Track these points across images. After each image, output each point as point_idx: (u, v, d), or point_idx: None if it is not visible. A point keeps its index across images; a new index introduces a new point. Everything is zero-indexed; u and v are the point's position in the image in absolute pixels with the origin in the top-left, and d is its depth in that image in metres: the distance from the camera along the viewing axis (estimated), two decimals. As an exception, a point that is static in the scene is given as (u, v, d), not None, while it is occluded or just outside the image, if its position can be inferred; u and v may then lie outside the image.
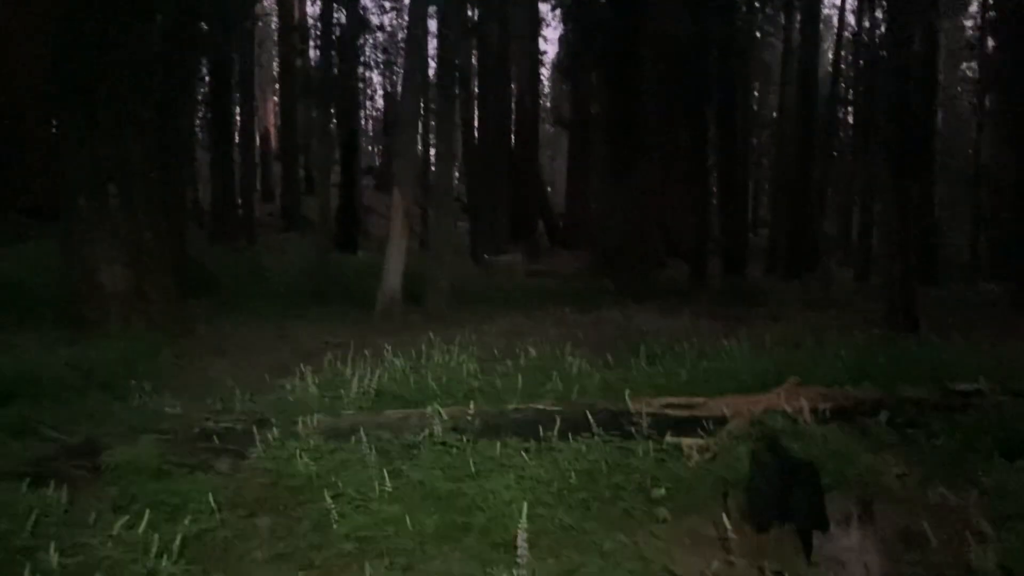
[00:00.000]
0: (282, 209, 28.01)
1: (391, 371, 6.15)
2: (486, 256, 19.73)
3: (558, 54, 41.77)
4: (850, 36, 27.71)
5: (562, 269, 21.69)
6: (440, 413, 4.70)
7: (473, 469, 4.01)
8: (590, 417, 4.59)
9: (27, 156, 18.29)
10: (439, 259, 11.46)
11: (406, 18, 22.34)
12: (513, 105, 24.04)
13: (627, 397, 4.96)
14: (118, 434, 5.14)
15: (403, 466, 4.13)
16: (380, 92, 30.34)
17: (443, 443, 4.48)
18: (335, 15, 17.70)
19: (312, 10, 31.66)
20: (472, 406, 4.86)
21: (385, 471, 3.98)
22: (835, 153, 29.00)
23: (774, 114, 30.68)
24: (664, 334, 8.81)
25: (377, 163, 40.36)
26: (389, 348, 6.99)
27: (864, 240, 24.36)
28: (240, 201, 23.17)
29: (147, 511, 3.56)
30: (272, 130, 35.69)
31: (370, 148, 46.33)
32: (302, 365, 6.39)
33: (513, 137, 25.38)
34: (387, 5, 22.90)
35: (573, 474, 3.99)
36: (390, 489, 3.76)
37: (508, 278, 18.16)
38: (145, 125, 8.53)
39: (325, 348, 9.00)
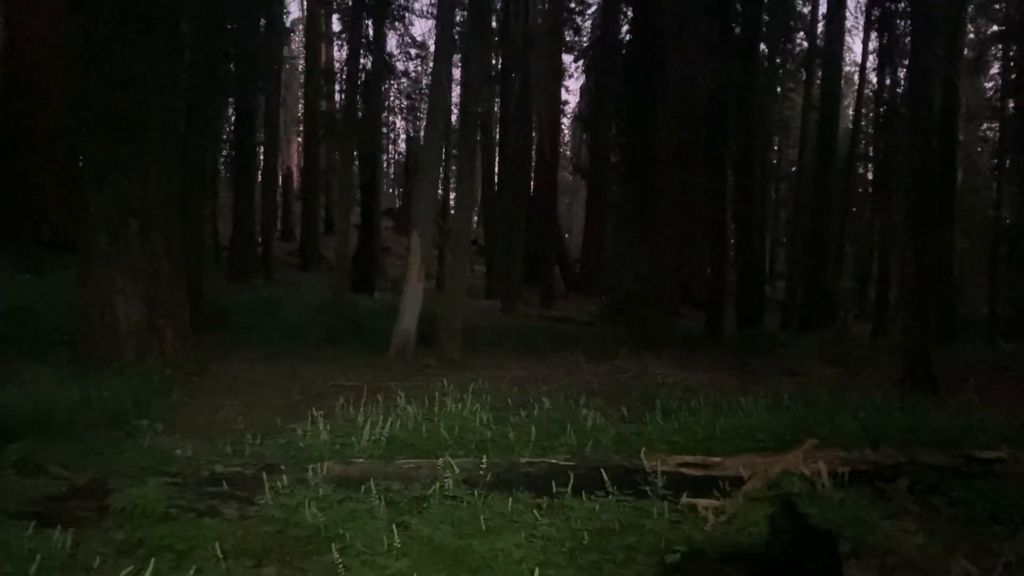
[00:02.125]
0: (300, 248, 28.20)
1: (403, 418, 6.08)
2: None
3: (579, 103, 42.39)
4: (871, 93, 27.88)
5: (577, 315, 21.62)
6: (452, 466, 4.63)
7: (484, 525, 3.94)
8: (604, 474, 4.51)
9: (46, 189, 18.55)
10: (454, 302, 11.43)
11: (430, 65, 22.78)
12: (533, 152, 24.21)
13: (642, 455, 4.88)
14: (127, 475, 5.10)
15: (412, 519, 4.06)
16: (403, 136, 30.68)
17: (454, 496, 4.41)
18: (361, 60, 17.99)
19: (339, 54, 32.24)
20: (484, 459, 4.78)
21: (394, 525, 3.91)
22: (853, 209, 29.02)
23: (793, 168, 30.79)
24: (679, 387, 8.72)
25: (397, 205, 40.69)
26: (403, 395, 6.92)
27: (881, 296, 24.19)
28: (260, 239, 23.34)
29: (152, 559, 3.49)
30: (295, 170, 36.09)
31: (390, 190, 46.75)
32: (313, 409, 6.33)
33: (532, 183, 25.55)
34: (412, 52, 23.21)
35: (586, 534, 3.90)
36: (399, 544, 3.69)
37: (522, 322, 18.09)
38: (168, 162, 8.60)
39: (336, 390, 8.97)
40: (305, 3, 29.69)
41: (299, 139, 37.63)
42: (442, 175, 20.03)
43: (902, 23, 20.72)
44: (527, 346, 13.43)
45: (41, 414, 6.56)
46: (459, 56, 13.29)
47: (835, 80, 24.34)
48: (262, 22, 20.65)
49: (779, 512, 3.70)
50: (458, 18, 12.93)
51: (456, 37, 11.82)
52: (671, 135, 15.24)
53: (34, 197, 18.42)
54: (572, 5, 26.22)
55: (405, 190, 37.44)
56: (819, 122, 24.45)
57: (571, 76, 29.89)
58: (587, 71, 28.56)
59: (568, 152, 44.10)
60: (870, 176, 32.75)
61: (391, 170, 46.76)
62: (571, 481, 4.46)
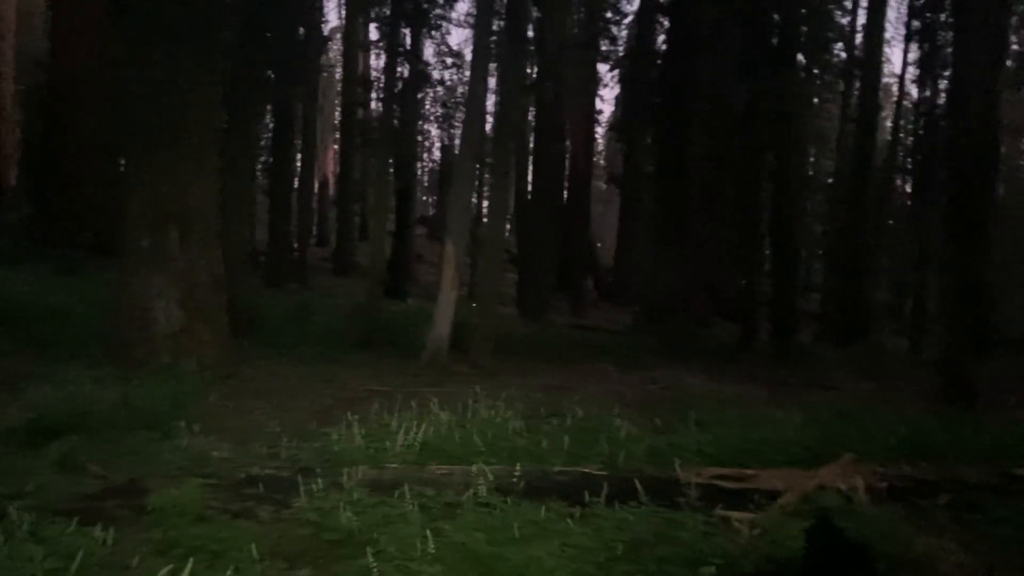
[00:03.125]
0: (335, 254, 28.42)
1: (436, 424, 6.10)
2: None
3: (613, 113, 42.36)
4: (910, 105, 27.52)
5: (607, 324, 21.56)
6: (486, 473, 4.64)
7: (517, 533, 3.94)
8: (638, 485, 4.49)
9: (85, 194, 18.86)
10: (486, 310, 11.47)
11: (466, 73, 22.89)
12: (567, 161, 24.24)
13: (677, 466, 4.85)
14: (163, 475, 5.18)
15: (445, 525, 4.07)
16: (437, 144, 30.91)
17: (486, 503, 4.42)
18: (398, 68, 18.10)
19: (375, 63, 32.51)
20: (518, 467, 4.78)
21: (428, 530, 3.93)
22: (890, 221, 28.63)
23: (829, 180, 30.47)
24: (712, 398, 8.66)
25: (430, 213, 40.88)
26: (436, 401, 6.94)
27: (918, 310, 23.83)
28: (296, 245, 23.55)
29: (190, 559, 3.54)
30: (331, 177, 36.41)
31: (424, 198, 46.99)
32: (348, 414, 6.38)
33: (565, 192, 25.52)
34: (448, 60, 23.32)
35: (620, 545, 3.89)
36: (433, 550, 3.70)
37: (553, 331, 18.08)
38: (208, 168, 8.73)
39: (369, 395, 9.03)
40: (343, 12, 29.96)
41: (334, 147, 38.00)
42: (476, 183, 20.06)
43: (943, 34, 20.47)
44: (558, 355, 13.41)
45: (81, 414, 6.68)
46: (495, 65, 13.33)
47: (874, 91, 24.13)
48: (300, 30, 20.88)
49: (816, 526, 3.66)
50: (493, 27, 12.96)
51: (492, 46, 11.84)
52: (705, 145, 15.16)
53: (73, 202, 18.76)
54: (608, 15, 26.20)
55: (439, 198, 37.65)
56: (856, 133, 24.22)
57: (605, 86, 29.84)
58: (621, 80, 28.54)
59: (602, 161, 44.06)
60: (906, 188, 32.37)
61: (424, 178, 47.01)
62: (604, 491, 4.45)
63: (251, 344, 11.55)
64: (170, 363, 8.28)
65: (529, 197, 23.65)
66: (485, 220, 13.49)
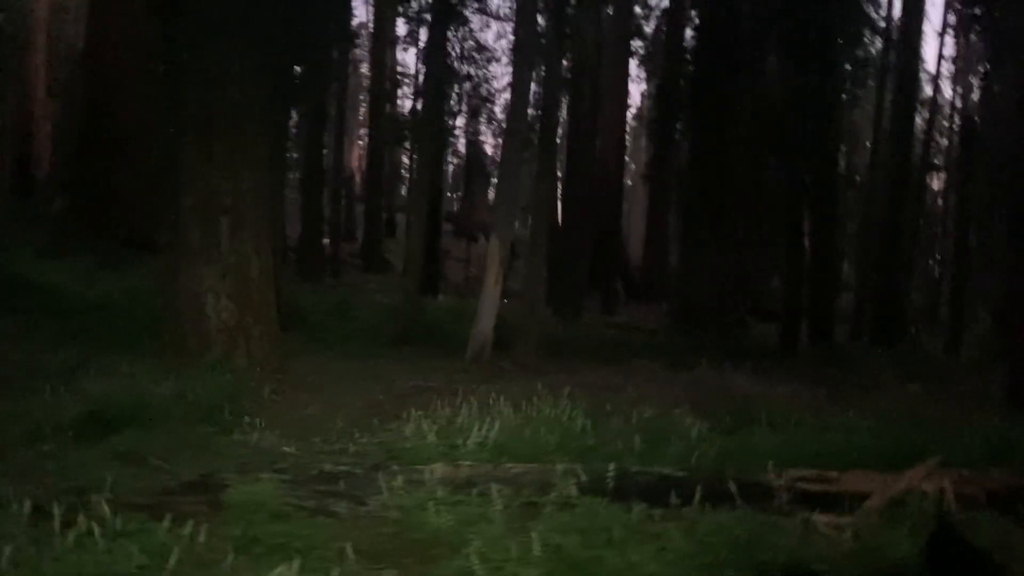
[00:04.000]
0: (362, 250, 28.41)
1: (501, 421, 5.98)
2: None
3: (640, 109, 42.09)
4: (947, 104, 27.17)
5: (638, 322, 21.38)
6: (579, 473, 4.51)
7: (613, 536, 3.81)
8: (733, 487, 4.36)
9: (125, 190, 18.87)
10: (531, 308, 11.36)
11: (491, 69, 22.78)
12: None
13: (769, 468, 4.71)
14: (233, 471, 5.10)
15: (533, 526, 3.94)
16: (462, 140, 30.81)
17: (571, 504, 4.30)
18: (429, 64, 17.95)
19: (402, 58, 32.50)
20: (611, 467, 4.66)
21: (519, 531, 3.82)
22: (920, 221, 28.23)
23: (856, 177, 30.10)
24: (765, 399, 8.46)
25: (454, 209, 40.78)
26: (499, 398, 6.81)
27: (955, 311, 23.46)
28: (328, 240, 23.55)
29: (298, 559, 3.44)
30: (357, 173, 36.41)
31: (449, 194, 46.84)
32: (412, 410, 6.27)
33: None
34: (477, 57, 23.16)
35: (723, 550, 3.75)
36: (539, 552, 3.56)
37: (588, 329, 17.94)
38: (259, 160, 8.67)
39: (418, 391, 8.96)
40: (372, 7, 29.91)
41: (359, 142, 38.01)
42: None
43: (981, 31, 20.13)
44: (599, 353, 13.25)
45: (137, 407, 6.63)
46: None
47: (911, 87, 23.71)
48: (332, 26, 20.83)
49: (937, 532, 3.52)
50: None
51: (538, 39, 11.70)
52: (743, 142, 14.97)
53: (113, 198, 18.77)
54: (638, 10, 26.04)
55: (463, 194, 37.55)
56: (892, 131, 23.87)
57: (632, 80, 29.62)
58: (651, 76, 28.35)
59: (625, 157, 43.73)
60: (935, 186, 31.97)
61: (449, 174, 46.87)
62: (698, 494, 4.31)
63: (293, 339, 11.52)
64: (221, 357, 8.22)
65: (561, 194, 23.50)
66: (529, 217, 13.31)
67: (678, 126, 20.37)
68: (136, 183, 19.33)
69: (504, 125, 14.64)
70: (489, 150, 33.43)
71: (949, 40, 27.46)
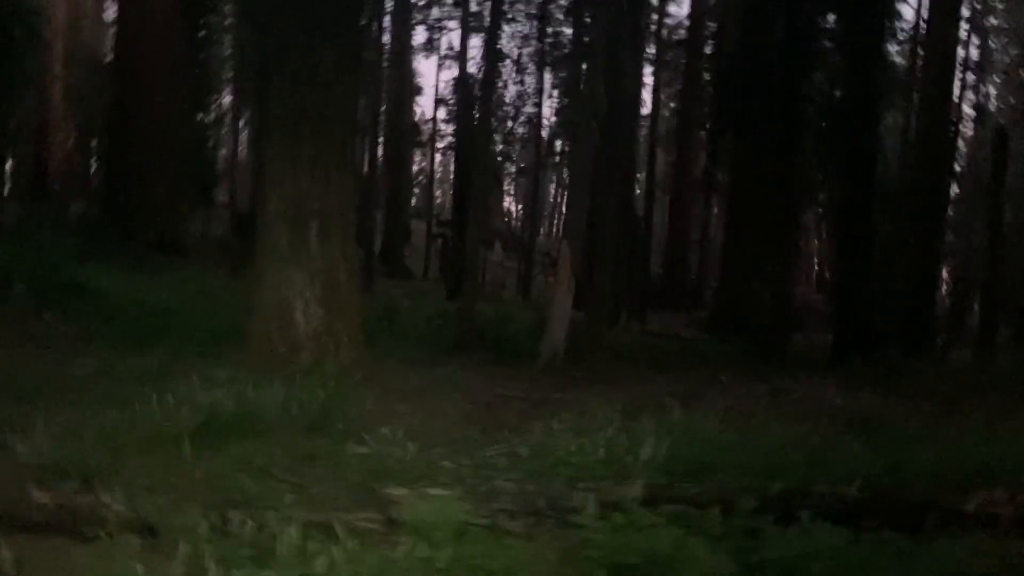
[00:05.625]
0: (383, 256, 28.22)
1: (639, 435, 5.69)
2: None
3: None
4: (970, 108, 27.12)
5: (671, 329, 21.18)
6: (766, 491, 4.27)
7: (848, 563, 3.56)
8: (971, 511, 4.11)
9: (154, 193, 18.71)
10: (599, 314, 11.15)
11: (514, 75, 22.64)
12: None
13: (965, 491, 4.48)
14: (387, 485, 4.84)
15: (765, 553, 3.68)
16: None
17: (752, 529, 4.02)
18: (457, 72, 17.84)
19: (421, 66, 32.38)
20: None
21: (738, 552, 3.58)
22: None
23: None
24: (874, 412, 8.21)
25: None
26: (604, 407, 6.55)
27: (986, 321, 23.28)
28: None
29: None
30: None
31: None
32: (544, 422, 6.02)
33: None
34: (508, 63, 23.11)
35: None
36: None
37: (629, 337, 17.70)
38: (346, 162, 8.45)
39: (503, 400, 8.76)
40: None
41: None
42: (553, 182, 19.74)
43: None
44: (655, 362, 13.03)
45: (245, 416, 6.38)
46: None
47: (945, 86, 23.46)
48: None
49: None
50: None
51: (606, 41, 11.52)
52: (809, 146, 14.81)
53: (143, 201, 18.61)
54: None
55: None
56: (922, 132, 23.61)
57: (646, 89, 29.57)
58: (678, 77, 28.31)
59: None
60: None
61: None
62: (934, 519, 4.04)
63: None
64: (310, 364, 7.96)
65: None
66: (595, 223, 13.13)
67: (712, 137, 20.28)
68: (164, 187, 19.16)
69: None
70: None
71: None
